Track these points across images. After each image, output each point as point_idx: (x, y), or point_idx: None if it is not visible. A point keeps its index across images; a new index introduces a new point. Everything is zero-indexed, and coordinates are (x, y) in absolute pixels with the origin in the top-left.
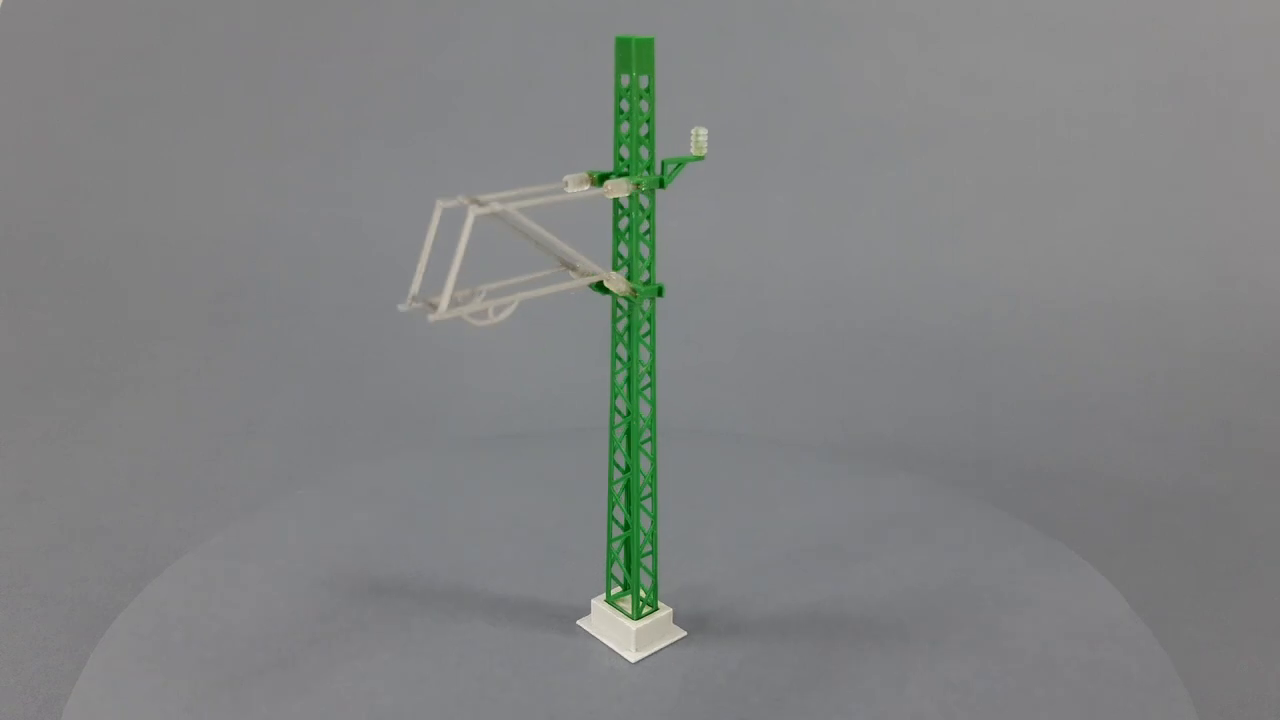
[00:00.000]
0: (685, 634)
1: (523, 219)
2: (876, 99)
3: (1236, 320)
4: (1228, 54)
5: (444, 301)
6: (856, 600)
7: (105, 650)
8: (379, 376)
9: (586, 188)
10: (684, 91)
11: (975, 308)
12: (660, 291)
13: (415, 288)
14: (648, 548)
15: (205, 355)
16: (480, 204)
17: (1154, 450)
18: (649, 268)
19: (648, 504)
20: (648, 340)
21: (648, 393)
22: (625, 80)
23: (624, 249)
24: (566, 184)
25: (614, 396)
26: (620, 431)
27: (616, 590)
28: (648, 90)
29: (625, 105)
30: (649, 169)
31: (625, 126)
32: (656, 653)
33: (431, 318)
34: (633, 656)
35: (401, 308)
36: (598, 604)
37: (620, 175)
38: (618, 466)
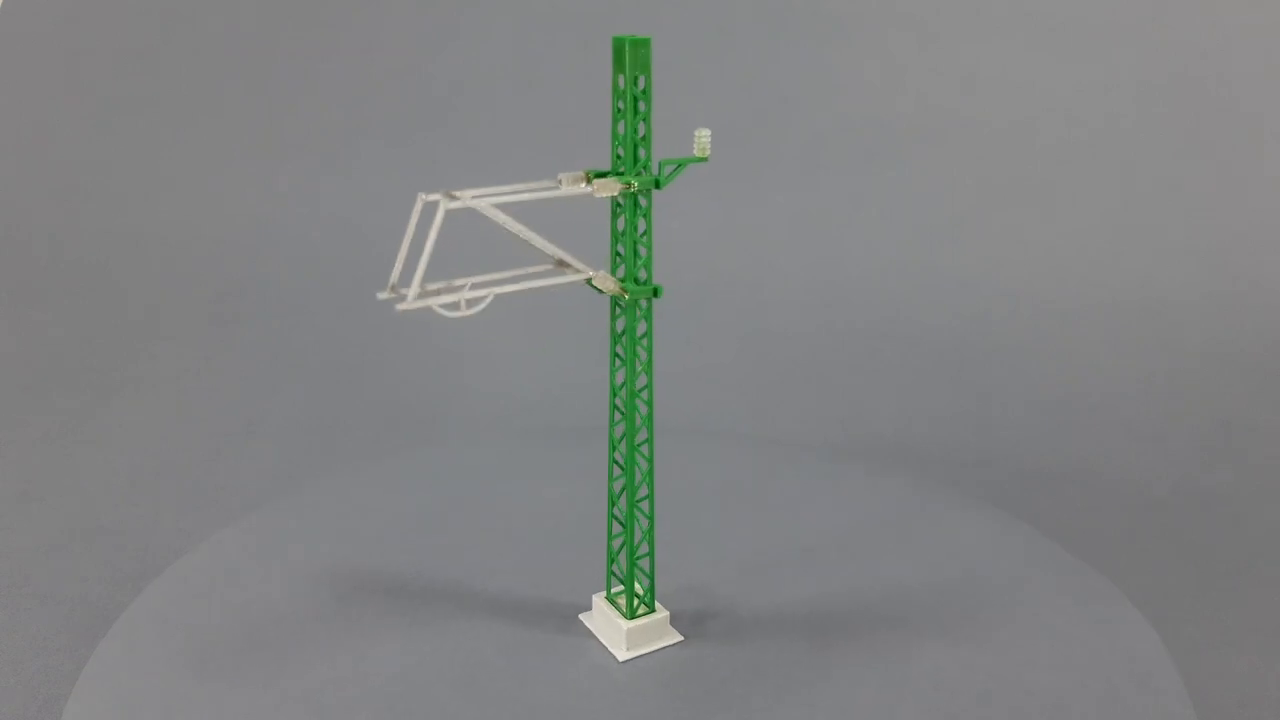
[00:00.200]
0: (682, 639)
1: (499, 215)
2: (876, 99)
3: (1236, 320)
4: (1228, 54)
5: (412, 291)
6: (856, 600)
7: (105, 650)
8: (379, 376)
9: (582, 186)
10: (684, 92)
11: (975, 308)
12: (657, 292)
13: (394, 277)
14: (645, 548)
15: (205, 355)
16: (454, 198)
17: (1154, 450)
18: (645, 267)
19: (645, 505)
20: (645, 341)
21: (645, 393)
22: (621, 80)
23: (622, 249)
24: (561, 182)
25: (613, 396)
26: (619, 431)
27: (618, 588)
28: (644, 90)
29: (622, 105)
30: (646, 169)
31: (622, 126)
32: (648, 654)
33: (399, 306)
34: (622, 655)
35: (380, 295)
36: (598, 600)
37: (610, 175)
38: (617, 464)
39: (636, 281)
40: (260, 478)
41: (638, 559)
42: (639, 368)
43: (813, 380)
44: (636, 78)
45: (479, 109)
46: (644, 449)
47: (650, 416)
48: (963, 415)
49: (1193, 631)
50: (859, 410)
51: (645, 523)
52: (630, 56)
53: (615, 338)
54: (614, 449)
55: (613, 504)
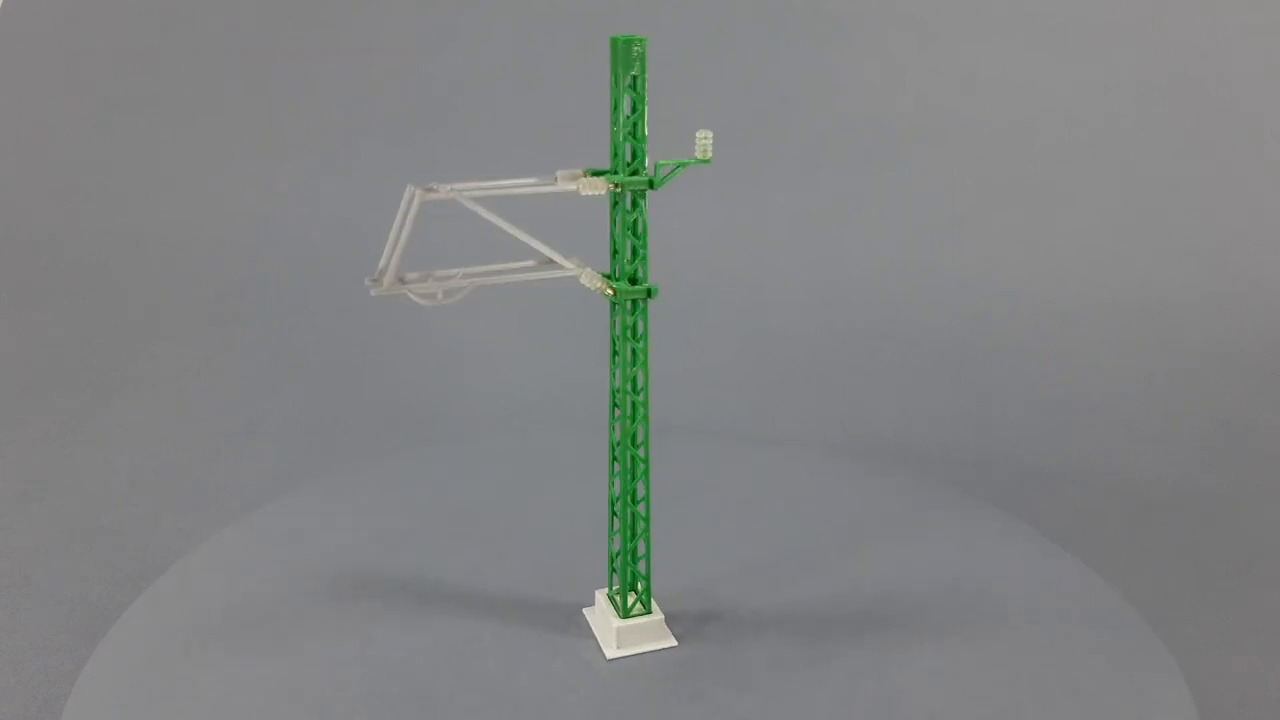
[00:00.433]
0: (675, 644)
1: (481, 209)
2: (876, 99)
3: (1236, 320)
4: (1228, 54)
5: (387, 279)
6: (856, 600)
7: (105, 650)
8: (379, 376)
9: (570, 185)
10: (684, 92)
11: (975, 308)
12: (651, 293)
13: (382, 264)
14: (643, 548)
15: (205, 355)
16: (431, 190)
17: (1154, 450)
18: (641, 267)
19: (643, 508)
20: (641, 342)
21: (643, 394)
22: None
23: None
24: (556, 179)
25: (612, 396)
26: (619, 431)
27: (619, 585)
28: (639, 90)
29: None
30: (640, 169)
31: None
32: (637, 654)
33: (373, 292)
34: (611, 653)
35: (367, 282)
36: (600, 596)
37: (599, 173)
38: (617, 462)
39: (631, 281)
40: (260, 478)
41: (636, 559)
42: (635, 368)
43: (813, 380)
44: (631, 77)
45: (479, 109)
46: (641, 451)
47: (646, 416)
48: (963, 415)
49: (1193, 631)
50: (859, 410)
51: (642, 524)
52: (622, 55)
53: (614, 337)
54: (613, 449)
55: (613, 504)
